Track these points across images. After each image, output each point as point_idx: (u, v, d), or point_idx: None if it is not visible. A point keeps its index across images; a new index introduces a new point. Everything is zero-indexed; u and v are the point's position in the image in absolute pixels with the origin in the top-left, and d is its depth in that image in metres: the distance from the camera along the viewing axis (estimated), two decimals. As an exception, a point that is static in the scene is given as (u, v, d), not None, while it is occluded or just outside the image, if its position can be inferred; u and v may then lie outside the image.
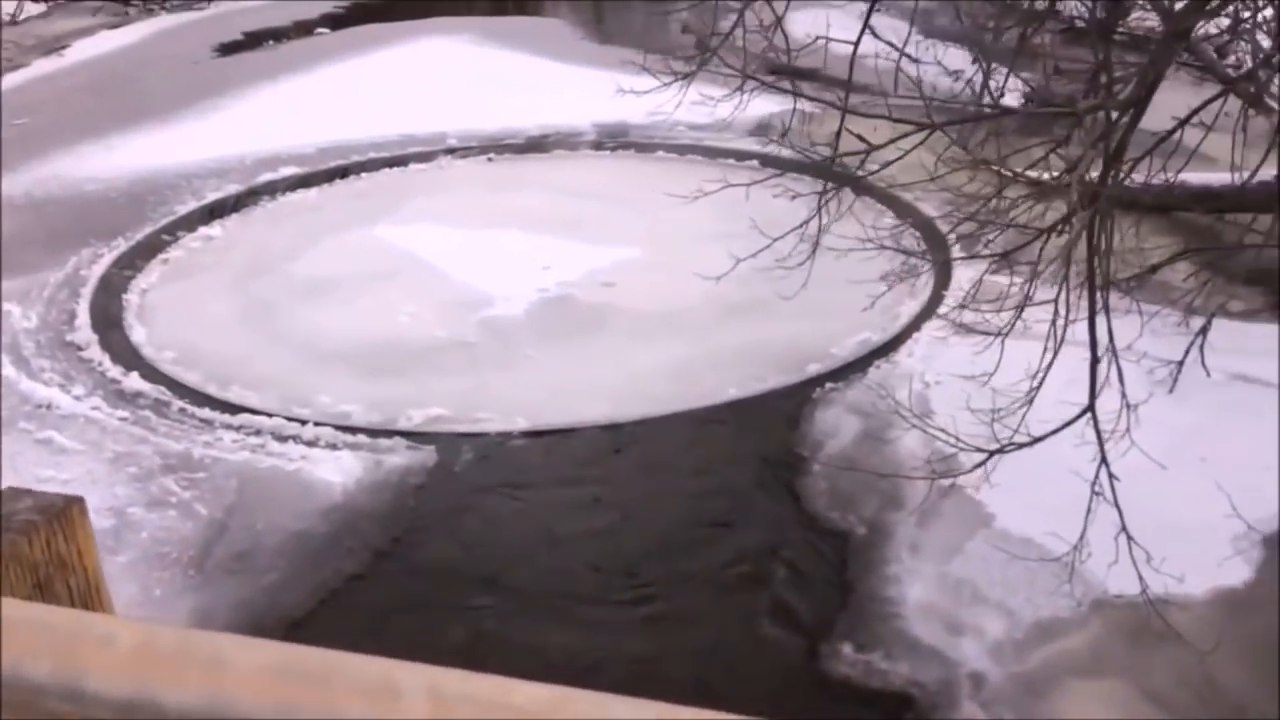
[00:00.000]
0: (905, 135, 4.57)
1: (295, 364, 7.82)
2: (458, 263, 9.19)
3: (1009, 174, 4.88)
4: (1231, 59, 7.96)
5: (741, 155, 11.26)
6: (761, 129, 11.28)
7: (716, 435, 6.97)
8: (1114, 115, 4.33)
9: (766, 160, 10.67)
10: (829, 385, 7.16)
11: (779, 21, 6.50)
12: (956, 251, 8.08)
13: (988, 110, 4.53)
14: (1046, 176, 4.69)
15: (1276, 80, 7.80)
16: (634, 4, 21.94)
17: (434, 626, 5.37)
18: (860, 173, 6.57)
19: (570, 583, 5.69)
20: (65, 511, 2.00)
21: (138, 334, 8.32)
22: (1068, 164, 4.64)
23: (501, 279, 8.89)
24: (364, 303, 8.67)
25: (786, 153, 7.24)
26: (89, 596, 2.02)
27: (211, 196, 10.73)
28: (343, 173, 11.43)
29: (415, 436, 6.88)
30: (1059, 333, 5.10)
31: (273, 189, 11.02)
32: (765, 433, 6.94)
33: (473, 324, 8.33)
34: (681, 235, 9.53)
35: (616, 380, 7.54)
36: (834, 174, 6.40)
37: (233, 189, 10.91)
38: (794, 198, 6.59)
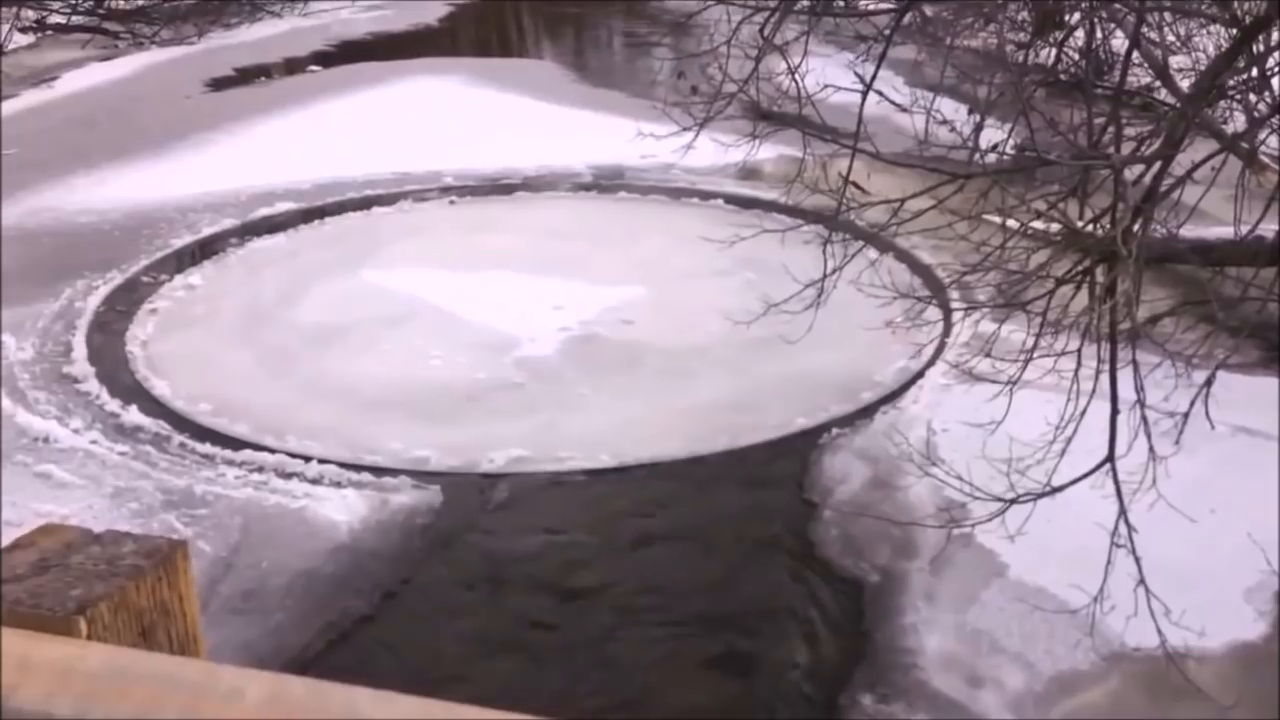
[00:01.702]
0: (938, 185, 4.60)
1: (344, 412, 7.63)
2: (466, 305, 9.07)
3: (1043, 226, 4.91)
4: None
5: (706, 195, 11.36)
6: (746, 174, 11.38)
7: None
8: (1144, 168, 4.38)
9: (730, 199, 11.06)
10: (835, 431, 7.16)
11: (794, 70, 6.56)
12: (955, 299, 8.15)
13: (1030, 158, 4.57)
14: (1083, 226, 4.72)
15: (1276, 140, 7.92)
16: (614, 47, 22.13)
17: (449, 669, 5.29)
18: (859, 221, 6.66)
19: (590, 627, 5.64)
20: (170, 555, 1.95)
21: (159, 387, 8.01)
22: (1094, 215, 4.69)
23: (518, 320, 8.77)
24: (386, 348, 8.49)
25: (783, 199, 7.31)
26: (187, 645, 1.97)
27: (207, 230, 10.65)
28: (309, 216, 11.16)
29: (422, 475, 6.82)
30: (1080, 384, 5.13)
31: (269, 225, 10.91)
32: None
33: (509, 365, 8.20)
34: (673, 274, 9.55)
35: (682, 413, 7.53)
36: (845, 223, 6.45)
37: (228, 223, 10.82)
38: (811, 242, 6.65)
